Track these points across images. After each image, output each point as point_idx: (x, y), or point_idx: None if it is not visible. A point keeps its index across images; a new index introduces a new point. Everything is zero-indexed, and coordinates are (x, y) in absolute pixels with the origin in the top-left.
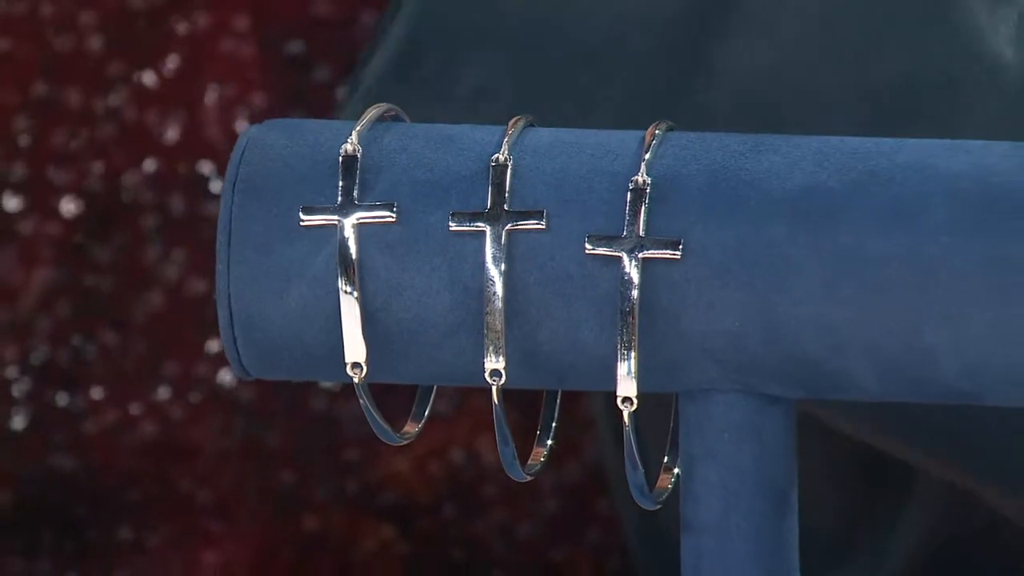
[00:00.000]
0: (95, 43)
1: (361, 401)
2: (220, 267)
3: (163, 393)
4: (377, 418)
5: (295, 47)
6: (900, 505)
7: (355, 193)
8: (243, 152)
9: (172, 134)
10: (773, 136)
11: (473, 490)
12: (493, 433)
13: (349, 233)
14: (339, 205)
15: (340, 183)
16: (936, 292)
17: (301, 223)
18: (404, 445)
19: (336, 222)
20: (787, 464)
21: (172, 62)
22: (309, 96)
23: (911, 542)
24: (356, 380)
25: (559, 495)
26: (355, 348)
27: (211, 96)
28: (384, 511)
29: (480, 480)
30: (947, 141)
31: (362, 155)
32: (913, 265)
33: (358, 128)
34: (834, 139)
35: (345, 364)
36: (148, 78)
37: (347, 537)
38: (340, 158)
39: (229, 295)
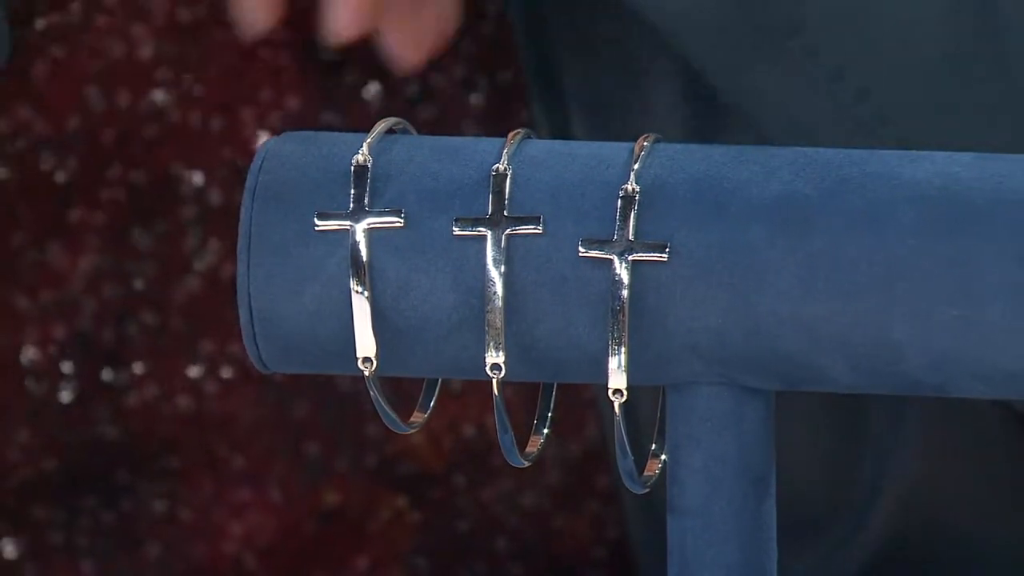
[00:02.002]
0: (145, 51)
1: (371, 393)
2: (241, 269)
3: (199, 369)
4: (386, 408)
5: (327, 54)
6: (877, 481)
7: (366, 200)
8: (262, 162)
9: (212, 133)
10: (753, 147)
11: (482, 460)
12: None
13: (360, 237)
14: (351, 211)
15: (352, 191)
16: (903, 291)
17: (316, 228)
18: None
19: (348, 227)
20: (766, 451)
21: (215, 69)
22: (340, 99)
23: (886, 517)
24: (367, 373)
25: (562, 469)
26: (366, 344)
27: (249, 98)
28: (399, 482)
29: (489, 451)
30: (913, 152)
31: (372, 165)
32: (881, 266)
33: (369, 140)
34: (809, 150)
35: (356, 358)
36: (192, 83)
37: (364, 508)
38: (352, 168)
39: (249, 295)
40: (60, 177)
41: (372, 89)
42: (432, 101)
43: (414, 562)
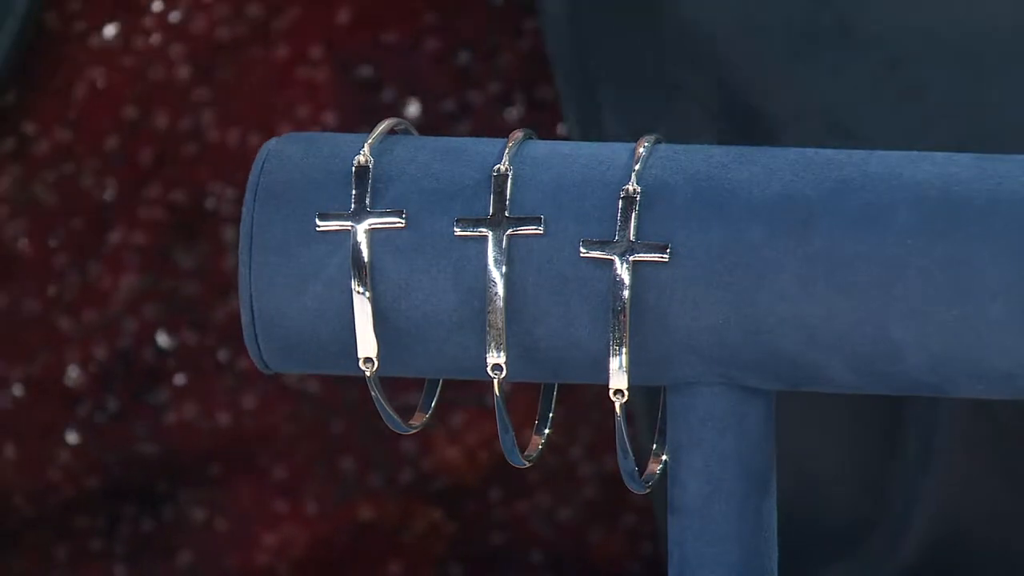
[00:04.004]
0: (183, 72)
1: (372, 393)
2: (242, 269)
3: (237, 387)
4: (387, 408)
5: (364, 71)
6: (912, 494)
7: (367, 200)
8: (263, 163)
9: (251, 151)
10: (753, 148)
11: (517, 476)
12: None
13: (361, 237)
14: (352, 212)
15: (353, 191)
16: (902, 291)
17: (317, 228)
18: (455, 437)
19: (350, 227)
20: (767, 451)
21: (252, 87)
22: (377, 115)
23: (921, 531)
24: (368, 374)
25: (597, 484)
26: (367, 344)
27: (287, 117)
28: (434, 496)
29: (524, 468)
30: (913, 153)
31: (374, 165)
32: (881, 265)
33: (370, 140)
34: (809, 151)
35: (358, 359)
36: (231, 101)
37: (398, 520)
38: (353, 168)
39: (251, 295)
40: (100, 198)
41: (410, 105)
42: (470, 117)
43: (448, 570)
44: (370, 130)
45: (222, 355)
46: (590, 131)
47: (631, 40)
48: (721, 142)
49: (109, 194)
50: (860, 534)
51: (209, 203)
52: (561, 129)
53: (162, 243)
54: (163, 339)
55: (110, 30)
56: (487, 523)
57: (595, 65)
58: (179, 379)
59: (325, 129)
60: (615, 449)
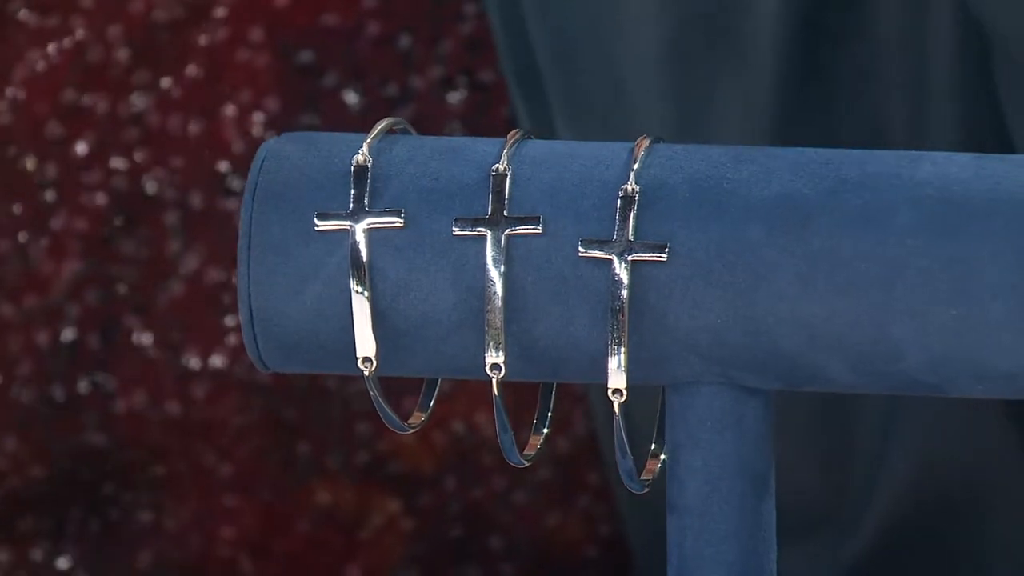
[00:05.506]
0: (122, 54)
1: (371, 393)
2: (241, 269)
3: (185, 374)
4: (386, 408)
5: (305, 56)
6: (872, 473)
7: (366, 200)
8: (262, 162)
9: (192, 136)
10: (752, 148)
11: (472, 459)
12: (490, 407)
13: (360, 237)
14: (351, 211)
15: (352, 191)
16: (901, 290)
17: (316, 228)
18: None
19: (348, 227)
20: (766, 450)
21: (192, 71)
22: (319, 101)
23: (882, 509)
24: (366, 373)
25: (552, 466)
26: (365, 343)
27: (228, 101)
28: (391, 481)
29: (478, 449)
30: (913, 152)
31: (372, 165)
32: (880, 265)
33: (369, 140)
34: (809, 150)
35: (356, 358)
36: (170, 85)
37: (356, 512)
38: (352, 168)
39: (249, 295)
40: (41, 183)
41: (351, 90)
42: (412, 102)
43: (406, 568)
44: (319, 117)
45: (168, 342)
46: (536, 114)
47: (572, 24)
48: (666, 128)
49: (50, 180)
50: (817, 521)
51: (150, 188)
52: (505, 113)
53: (104, 229)
54: (107, 326)
55: (48, 12)
56: (443, 510)
57: (538, 49)
58: (124, 367)
59: (267, 114)
60: (567, 429)
